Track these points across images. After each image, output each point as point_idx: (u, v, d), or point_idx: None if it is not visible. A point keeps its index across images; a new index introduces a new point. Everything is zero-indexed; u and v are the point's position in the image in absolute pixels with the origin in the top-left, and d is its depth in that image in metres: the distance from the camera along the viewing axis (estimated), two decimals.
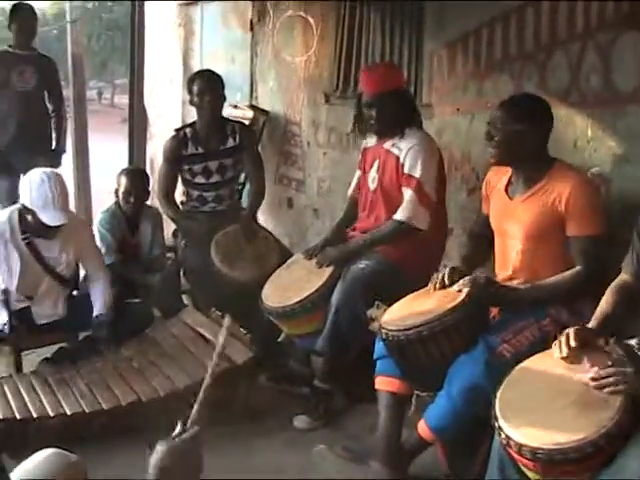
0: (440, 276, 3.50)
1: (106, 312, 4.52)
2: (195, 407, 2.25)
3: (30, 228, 4.39)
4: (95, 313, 4.50)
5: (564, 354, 2.75)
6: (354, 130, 4.56)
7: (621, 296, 3.04)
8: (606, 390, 2.53)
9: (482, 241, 3.81)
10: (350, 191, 4.73)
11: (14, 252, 4.41)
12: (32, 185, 4.28)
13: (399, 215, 4.21)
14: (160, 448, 2.08)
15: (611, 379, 2.54)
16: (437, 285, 3.48)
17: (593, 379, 2.57)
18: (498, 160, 3.50)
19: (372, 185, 4.43)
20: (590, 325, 2.93)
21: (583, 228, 3.32)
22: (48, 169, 4.48)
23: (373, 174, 4.42)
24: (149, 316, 4.88)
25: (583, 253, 3.33)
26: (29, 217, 4.32)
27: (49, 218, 4.26)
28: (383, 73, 4.39)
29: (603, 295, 3.06)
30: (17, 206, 4.44)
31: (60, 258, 4.54)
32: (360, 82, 4.46)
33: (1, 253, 4.41)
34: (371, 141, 4.50)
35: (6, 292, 4.44)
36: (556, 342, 2.82)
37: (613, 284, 3.08)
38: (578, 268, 3.33)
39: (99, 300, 4.54)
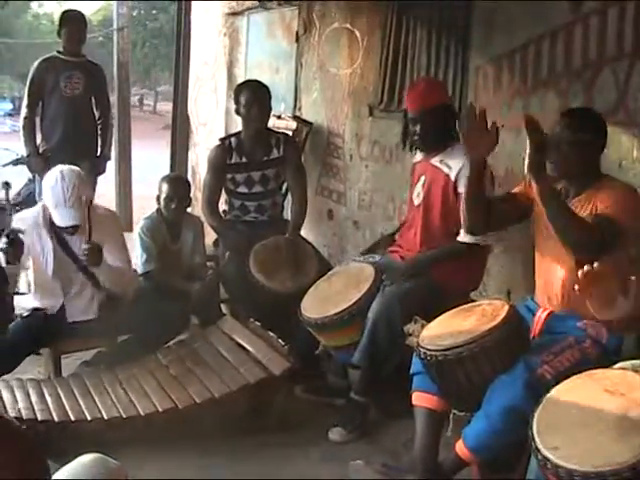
0: None
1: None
2: None
3: (53, 224, 4.46)
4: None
5: None
6: (403, 146, 4.56)
7: None
8: None
9: (488, 208, 3.65)
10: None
11: (47, 242, 4.47)
12: (48, 183, 4.40)
13: (463, 237, 4.17)
14: None
15: None
16: None
17: None
18: (561, 174, 3.41)
19: (416, 200, 4.43)
20: None
21: (603, 210, 3.25)
22: (66, 167, 4.52)
23: (418, 189, 4.42)
24: (184, 322, 4.90)
25: (593, 221, 3.23)
26: (49, 215, 4.41)
27: (59, 218, 4.35)
28: (425, 89, 4.39)
29: None
30: None
31: None
32: (405, 99, 4.45)
33: (35, 241, 4.44)
34: (419, 156, 4.50)
35: (39, 309, 4.49)
36: None
37: None
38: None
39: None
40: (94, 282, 4.61)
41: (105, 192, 7.32)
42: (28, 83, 6.61)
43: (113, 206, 9.52)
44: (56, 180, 4.35)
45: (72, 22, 6.66)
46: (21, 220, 4.45)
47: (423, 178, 4.40)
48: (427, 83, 4.64)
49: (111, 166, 8.73)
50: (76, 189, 4.36)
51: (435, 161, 4.33)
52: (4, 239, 4.03)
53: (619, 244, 3.24)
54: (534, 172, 3.20)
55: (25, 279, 4.53)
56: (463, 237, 4.16)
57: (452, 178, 4.23)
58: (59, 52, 6.63)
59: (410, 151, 4.55)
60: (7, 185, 5.26)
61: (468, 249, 4.19)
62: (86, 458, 2.55)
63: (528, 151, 3.16)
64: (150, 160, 11.40)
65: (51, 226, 4.47)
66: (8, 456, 2.10)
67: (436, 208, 4.32)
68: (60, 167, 4.49)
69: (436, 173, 4.31)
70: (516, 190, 3.71)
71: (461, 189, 4.15)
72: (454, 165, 4.23)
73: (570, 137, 3.35)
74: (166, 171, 7.89)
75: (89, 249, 4.35)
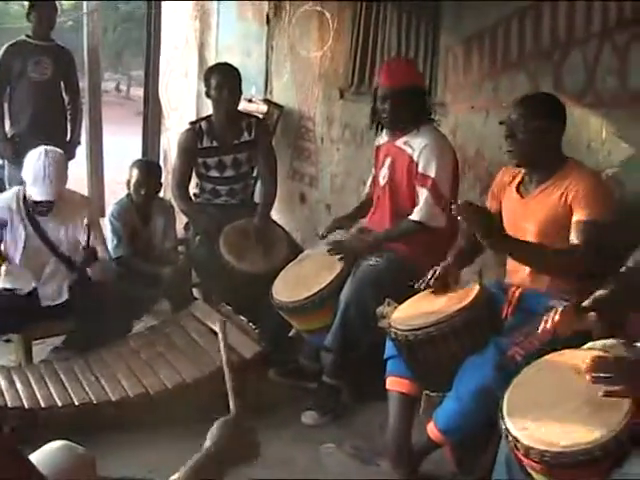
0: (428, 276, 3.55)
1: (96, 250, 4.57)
2: (231, 402, 2.24)
3: (30, 205, 4.47)
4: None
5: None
6: (372, 125, 4.53)
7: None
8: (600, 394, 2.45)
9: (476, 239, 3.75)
10: (367, 188, 4.72)
11: (20, 226, 4.49)
12: (30, 160, 4.44)
13: (416, 215, 4.21)
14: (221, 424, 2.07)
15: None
16: (422, 286, 3.54)
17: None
18: (519, 159, 3.45)
19: (382, 182, 4.43)
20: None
21: (587, 213, 3.29)
22: (51, 147, 4.56)
23: (384, 171, 4.41)
24: (150, 306, 4.96)
25: (582, 233, 3.27)
26: (27, 192, 4.43)
27: (36, 193, 4.37)
28: (401, 68, 4.39)
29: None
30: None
31: (62, 236, 4.58)
32: (378, 76, 4.43)
33: (8, 226, 4.46)
34: (383, 138, 4.49)
35: (10, 289, 4.48)
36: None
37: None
38: (576, 243, 3.28)
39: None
40: (68, 265, 4.62)
41: (77, 177, 7.24)
42: None
43: (85, 191, 9.48)
44: (39, 156, 4.41)
45: (42, 6, 6.58)
46: None
47: (389, 160, 4.39)
48: (403, 62, 4.67)
49: (83, 152, 8.67)
50: (57, 167, 4.42)
51: (400, 143, 4.32)
52: None
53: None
54: (494, 248, 3.34)
55: None
56: (414, 216, 4.21)
57: (415, 159, 4.22)
58: (28, 36, 6.57)
59: (377, 131, 4.51)
60: None
61: (428, 229, 4.21)
62: (52, 446, 2.52)
63: (479, 235, 3.23)
64: (124, 145, 11.30)
65: (26, 211, 4.49)
66: None
67: (402, 189, 4.33)
68: (44, 147, 4.53)
69: (400, 154, 4.31)
70: (490, 204, 3.76)
71: (420, 169, 4.17)
72: (416, 146, 4.23)
73: (526, 125, 3.38)
74: (139, 156, 7.85)
75: (87, 254, 4.45)
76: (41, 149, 4.46)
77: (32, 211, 4.50)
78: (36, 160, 4.38)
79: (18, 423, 3.72)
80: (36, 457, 2.50)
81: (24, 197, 4.50)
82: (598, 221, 3.28)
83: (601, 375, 2.42)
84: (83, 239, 4.50)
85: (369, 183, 4.71)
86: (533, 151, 3.40)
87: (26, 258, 4.51)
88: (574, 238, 3.30)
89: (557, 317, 2.85)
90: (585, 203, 3.30)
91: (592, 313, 2.84)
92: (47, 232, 4.55)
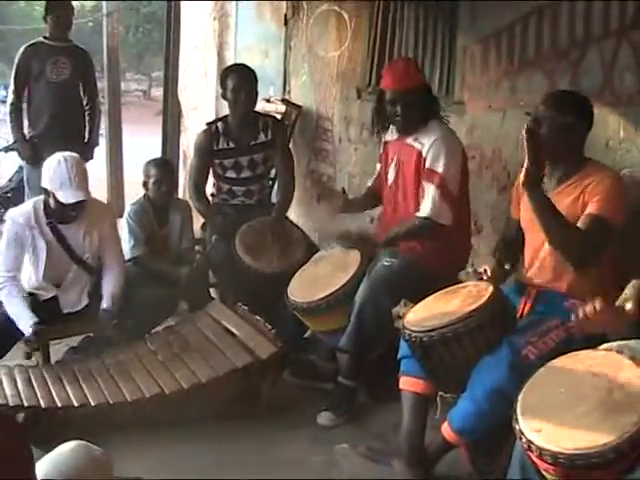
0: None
1: (113, 307, 4.51)
2: None
3: (53, 213, 4.45)
4: (102, 307, 4.50)
5: None
6: (373, 126, 4.52)
7: None
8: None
9: (514, 247, 3.74)
10: (369, 182, 4.72)
11: (40, 240, 4.46)
12: (50, 167, 4.38)
13: (422, 212, 4.19)
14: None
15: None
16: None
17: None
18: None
19: (390, 180, 4.42)
20: None
21: (597, 208, 3.27)
22: (67, 152, 4.51)
23: (392, 169, 4.40)
24: (172, 307, 4.92)
25: (588, 225, 3.26)
26: (51, 200, 4.39)
27: (66, 197, 4.32)
28: (404, 70, 4.33)
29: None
30: (43, 195, 4.49)
31: (85, 244, 4.57)
32: (382, 79, 4.41)
33: (28, 243, 4.45)
34: (392, 135, 4.47)
35: (34, 294, 4.49)
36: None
37: None
38: (584, 234, 3.25)
39: (108, 293, 4.55)
40: (88, 271, 4.63)
41: (97, 178, 7.24)
42: (14, 69, 6.57)
43: (105, 192, 9.52)
44: (59, 162, 4.37)
45: (58, 7, 6.61)
46: (12, 220, 4.47)
47: (396, 157, 4.38)
48: (406, 63, 4.57)
49: (103, 152, 8.71)
50: (79, 168, 4.39)
51: (410, 140, 4.30)
52: None
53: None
54: (529, 186, 3.22)
55: None
56: (420, 212, 4.20)
57: (423, 154, 4.21)
58: (45, 37, 6.60)
59: (382, 132, 4.50)
60: None
61: (436, 225, 4.18)
62: (68, 446, 2.54)
63: (525, 163, 3.15)
64: (144, 146, 11.34)
65: (47, 220, 4.47)
66: None
67: (410, 186, 4.31)
68: (60, 153, 4.48)
69: (409, 151, 4.29)
70: (514, 209, 3.77)
71: (428, 164, 4.16)
72: (426, 142, 4.21)
73: (554, 120, 3.34)
74: (158, 156, 7.86)
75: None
76: (57, 156, 4.42)
77: (55, 219, 4.47)
78: (57, 166, 4.35)
79: (35, 422, 3.74)
80: (53, 457, 2.52)
81: (44, 207, 4.47)
82: (607, 220, 3.27)
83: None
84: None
85: (373, 178, 4.70)
86: (556, 147, 3.37)
87: (48, 267, 4.50)
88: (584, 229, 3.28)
89: (594, 310, 2.78)
90: (598, 200, 3.28)
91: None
92: (69, 239, 4.53)
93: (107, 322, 4.47)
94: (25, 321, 4.29)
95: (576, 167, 3.40)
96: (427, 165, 4.18)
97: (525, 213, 3.57)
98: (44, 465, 2.53)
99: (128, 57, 22.71)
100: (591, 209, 3.29)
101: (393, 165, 4.40)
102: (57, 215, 4.46)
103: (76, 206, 4.38)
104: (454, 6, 4.95)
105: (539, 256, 3.50)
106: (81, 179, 4.36)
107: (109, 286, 4.58)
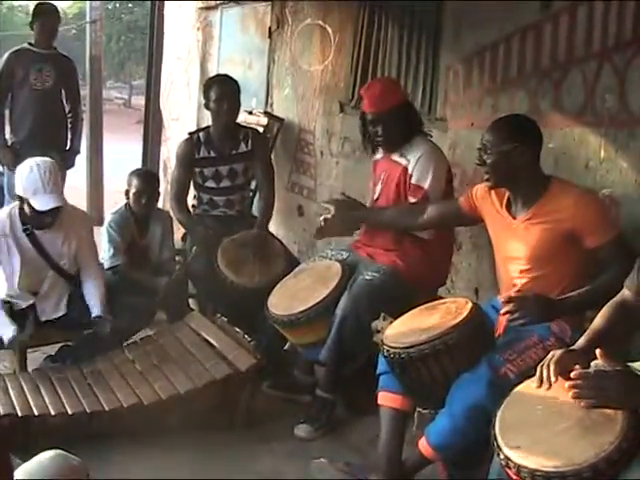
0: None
1: (105, 314, 4.50)
2: None
3: (29, 219, 4.42)
4: (94, 314, 4.48)
5: (546, 387, 2.70)
6: (365, 147, 4.56)
7: (619, 313, 2.95)
8: (582, 403, 2.52)
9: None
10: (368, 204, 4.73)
11: (16, 248, 4.43)
12: (23, 174, 4.35)
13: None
14: None
15: (588, 392, 2.52)
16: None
17: (570, 387, 2.54)
18: (494, 184, 3.50)
19: (376, 195, 4.47)
20: (580, 342, 2.87)
21: (601, 236, 3.32)
22: (39, 158, 4.49)
23: (379, 186, 4.44)
24: (150, 316, 4.89)
25: (613, 255, 3.30)
26: (25, 207, 4.36)
27: (40, 203, 4.29)
28: (382, 91, 4.35)
29: None
30: (18, 202, 4.47)
31: (62, 250, 4.55)
32: (362, 102, 4.44)
33: (3, 252, 4.43)
34: (380, 153, 4.50)
35: (9, 302, 4.46)
36: (539, 368, 2.77)
37: (612, 301, 3.00)
38: (615, 268, 3.27)
39: (95, 300, 4.53)
40: (66, 278, 4.61)
41: (77, 186, 7.20)
42: None
43: (84, 200, 9.49)
44: (31, 169, 4.33)
45: (45, 15, 6.61)
46: None
47: (383, 174, 4.42)
48: (383, 84, 4.60)
49: (83, 160, 8.68)
50: (53, 175, 4.34)
51: (395, 156, 4.34)
52: None
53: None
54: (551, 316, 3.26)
55: None
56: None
57: (409, 171, 4.25)
58: (30, 44, 6.59)
59: (373, 152, 4.54)
60: None
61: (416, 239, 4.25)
62: (46, 455, 2.52)
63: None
64: (124, 154, 11.32)
65: (23, 227, 4.44)
66: None
67: (394, 200, 4.34)
68: (32, 159, 4.46)
69: (395, 167, 4.33)
70: (463, 200, 3.81)
71: (414, 180, 4.21)
72: (412, 157, 4.25)
73: (491, 149, 3.42)
74: (138, 165, 7.86)
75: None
76: (30, 162, 4.39)
77: (32, 226, 4.45)
78: (29, 172, 4.31)
79: (10, 430, 3.73)
80: (30, 466, 2.51)
81: (19, 214, 4.44)
82: (617, 237, 3.33)
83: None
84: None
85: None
86: (503, 174, 3.43)
87: (24, 275, 4.48)
88: (608, 264, 3.32)
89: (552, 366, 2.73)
90: (595, 227, 3.32)
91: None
92: (46, 246, 4.50)
93: (104, 328, 4.44)
94: (5, 330, 4.27)
95: (538, 189, 3.42)
96: (413, 181, 4.22)
97: (499, 243, 3.61)
98: (21, 474, 2.52)
99: (109, 65, 22.66)
100: (597, 241, 3.32)
101: (380, 182, 4.43)
102: (33, 222, 4.43)
103: (51, 212, 4.35)
104: (438, 24, 4.98)
105: (516, 283, 3.51)
106: (55, 185, 4.32)
107: (95, 293, 4.56)
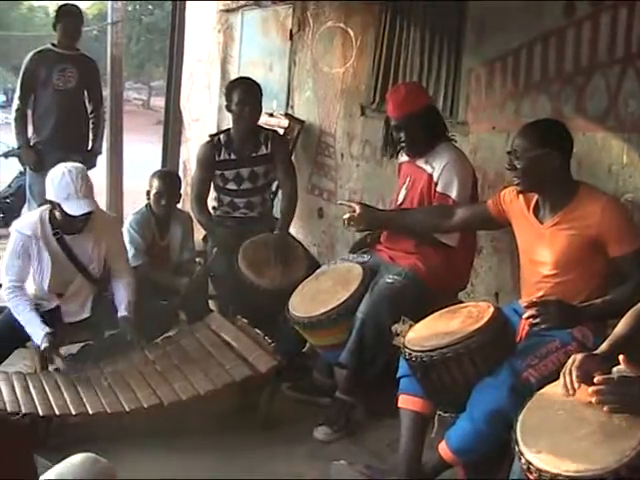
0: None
1: (131, 314, 4.51)
2: None
3: (59, 224, 4.43)
4: (120, 314, 4.50)
5: (570, 393, 2.69)
6: (384, 151, 4.57)
7: None
8: (605, 408, 2.52)
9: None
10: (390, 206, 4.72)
11: (46, 251, 4.43)
12: (54, 179, 4.35)
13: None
14: None
15: (612, 397, 2.52)
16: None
17: (594, 391, 2.54)
18: (524, 188, 3.48)
19: (400, 199, 4.46)
20: (603, 347, 2.85)
21: (626, 246, 3.31)
22: (70, 163, 4.51)
23: (403, 191, 4.44)
24: (172, 318, 4.91)
25: (636, 265, 3.30)
26: (57, 212, 4.37)
27: (73, 208, 4.30)
28: (406, 96, 4.33)
29: None
30: (49, 205, 4.48)
31: (92, 255, 4.57)
32: (386, 106, 4.44)
33: (34, 255, 4.43)
34: (404, 157, 4.50)
35: (38, 304, 4.48)
36: (561, 375, 2.76)
37: (635, 307, 2.99)
38: (638, 277, 3.29)
39: (124, 302, 4.54)
40: (92, 282, 4.63)
41: (96, 186, 7.23)
42: (21, 75, 6.59)
43: (104, 200, 9.52)
44: (63, 174, 4.33)
45: (68, 17, 6.63)
46: (18, 232, 4.45)
47: (408, 179, 4.42)
48: (408, 88, 4.56)
49: (103, 160, 8.71)
50: (85, 180, 4.36)
51: (420, 162, 4.34)
52: None
53: None
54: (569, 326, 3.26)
55: None
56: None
57: (434, 178, 4.25)
58: (53, 45, 6.62)
59: (395, 157, 4.54)
60: None
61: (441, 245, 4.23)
62: (77, 457, 2.53)
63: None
64: (143, 155, 11.36)
65: (53, 231, 4.45)
66: None
67: (418, 206, 4.33)
68: (63, 164, 4.46)
69: (420, 173, 4.33)
70: (491, 204, 3.78)
71: (440, 189, 4.20)
72: (437, 165, 4.25)
73: (522, 154, 3.40)
74: (158, 166, 7.88)
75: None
76: (62, 167, 4.39)
77: (62, 230, 4.45)
78: (62, 177, 4.31)
79: (32, 429, 3.74)
80: (61, 468, 2.52)
81: (50, 218, 4.45)
82: (633, 252, 3.31)
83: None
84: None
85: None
86: (534, 178, 3.41)
87: (53, 278, 4.49)
88: (627, 276, 3.32)
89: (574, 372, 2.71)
90: (619, 236, 3.31)
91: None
92: (75, 250, 4.51)
93: (128, 328, 4.45)
94: (38, 331, 4.29)
95: (567, 195, 3.41)
96: (439, 189, 4.21)
97: (525, 247, 3.60)
98: (52, 476, 2.54)
99: (129, 66, 22.74)
100: (619, 250, 3.32)
101: (405, 186, 4.43)
102: (63, 226, 4.44)
103: (82, 217, 4.37)
104: (460, 28, 4.98)
105: (540, 287, 3.50)
106: (87, 190, 4.34)
107: (124, 294, 4.57)
